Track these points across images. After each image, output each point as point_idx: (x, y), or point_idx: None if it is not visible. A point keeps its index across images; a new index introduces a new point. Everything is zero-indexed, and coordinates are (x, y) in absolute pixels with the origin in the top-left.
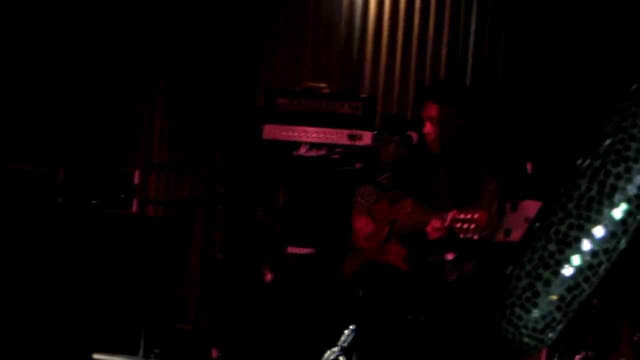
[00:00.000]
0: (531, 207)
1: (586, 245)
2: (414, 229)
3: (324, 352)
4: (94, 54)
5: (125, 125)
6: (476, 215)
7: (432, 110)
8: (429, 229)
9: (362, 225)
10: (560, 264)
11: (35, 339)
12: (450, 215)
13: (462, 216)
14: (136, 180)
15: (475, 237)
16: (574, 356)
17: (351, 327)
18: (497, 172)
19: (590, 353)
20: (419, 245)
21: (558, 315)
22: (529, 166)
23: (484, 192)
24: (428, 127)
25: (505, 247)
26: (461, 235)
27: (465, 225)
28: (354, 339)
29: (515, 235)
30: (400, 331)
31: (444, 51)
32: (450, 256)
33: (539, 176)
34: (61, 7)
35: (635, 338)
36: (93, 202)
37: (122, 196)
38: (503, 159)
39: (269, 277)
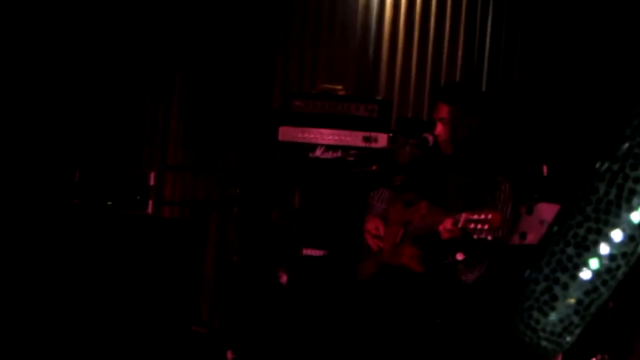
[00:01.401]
0: (547, 210)
1: (604, 249)
2: (428, 230)
3: (339, 354)
4: (109, 55)
5: (140, 126)
6: (489, 216)
7: (443, 111)
8: (441, 228)
9: (372, 228)
10: (578, 267)
11: (49, 340)
12: (463, 216)
13: (475, 217)
14: (152, 182)
15: (489, 237)
16: (590, 359)
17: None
18: (510, 174)
19: (605, 356)
20: (433, 246)
21: (576, 319)
22: (544, 168)
23: (498, 194)
24: (439, 129)
25: (521, 250)
26: (475, 236)
27: (479, 226)
28: (366, 341)
29: (531, 238)
30: (417, 334)
31: (460, 53)
32: (460, 256)
33: (554, 179)
34: (77, 7)
35: None
36: (109, 203)
37: (138, 197)
38: (519, 161)
39: (284, 279)
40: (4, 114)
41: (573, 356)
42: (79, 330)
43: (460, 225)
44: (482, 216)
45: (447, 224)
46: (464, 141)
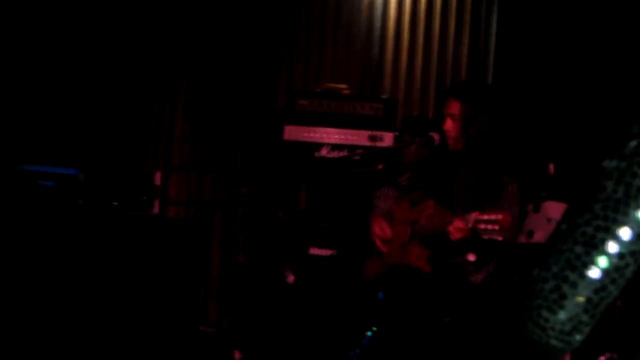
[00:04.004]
0: (553, 208)
1: (612, 247)
2: (437, 230)
3: (346, 353)
4: (115, 55)
5: (146, 126)
6: (500, 217)
7: (455, 108)
8: (451, 228)
9: (378, 230)
10: (586, 265)
11: (56, 341)
12: (473, 216)
13: (485, 217)
14: (157, 182)
15: (499, 238)
16: (598, 357)
17: (373, 329)
18: (518, 174)
19: (614, 355)
20: (441, 246)
21: (585, 317)
22: (551, 167)
23: (505, 194)
24: (449, 124)
25: (528, 248)
26: (485, 237)
27: (489, 227)
28: (375, 341)
29: (538, 236)
30: (424, 333)
31: (464, 52)
32: (471, 257)
33: (561, 177)
34: (83, 9)
35: None
36: (114, 203)
37: (144, 198)
38: (525, 159)
39: (290, 278)
40: (11, 113)
41: (582, 354)
42: (87, 330)
43: (470, 225)
44: (492, 216)
45: (458, 223)
46: (474, 138)
